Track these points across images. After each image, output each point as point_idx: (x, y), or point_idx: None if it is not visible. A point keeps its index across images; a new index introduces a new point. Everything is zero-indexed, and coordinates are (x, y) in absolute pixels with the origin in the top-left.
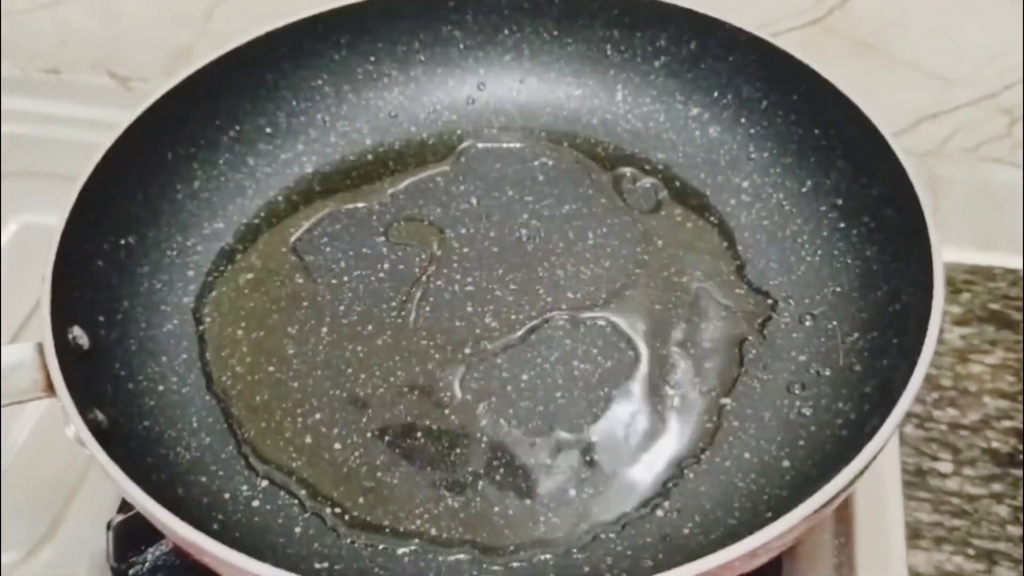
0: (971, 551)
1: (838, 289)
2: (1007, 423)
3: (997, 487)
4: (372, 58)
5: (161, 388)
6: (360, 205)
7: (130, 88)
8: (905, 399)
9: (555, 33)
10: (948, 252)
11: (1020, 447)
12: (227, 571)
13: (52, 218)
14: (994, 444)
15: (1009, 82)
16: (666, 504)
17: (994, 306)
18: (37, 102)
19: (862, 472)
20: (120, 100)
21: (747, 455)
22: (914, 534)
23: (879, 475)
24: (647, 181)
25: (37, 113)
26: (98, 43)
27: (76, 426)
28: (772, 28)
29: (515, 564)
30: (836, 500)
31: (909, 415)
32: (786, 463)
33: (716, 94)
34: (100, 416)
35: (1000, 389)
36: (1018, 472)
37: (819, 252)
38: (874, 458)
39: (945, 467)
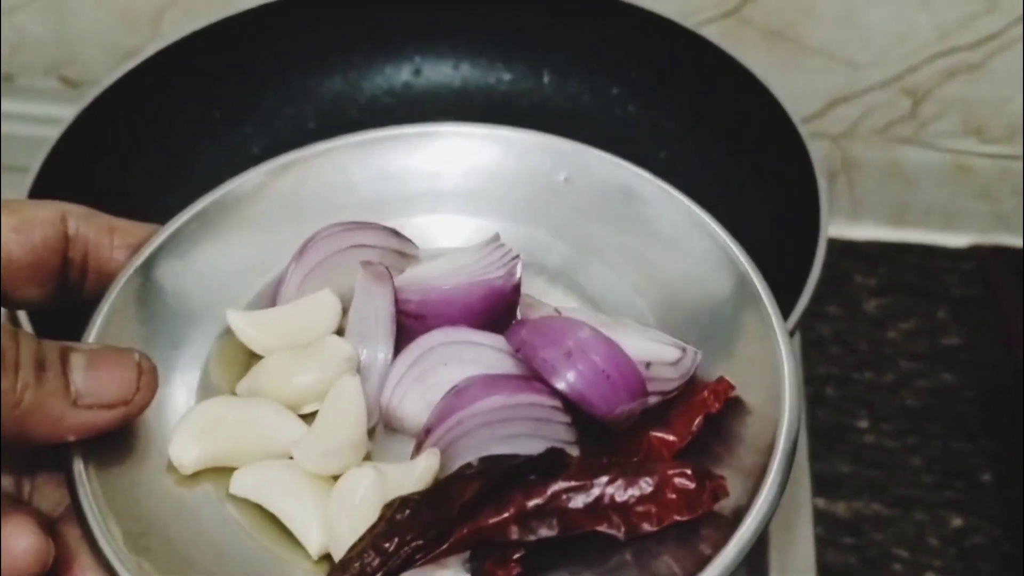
0: (888, 498)
1: None
2: (920, 382)
3: (911, 440)
4: (316, 47)
5: None
6: None
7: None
8: None
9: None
10: (864, 229)
11: (932, 404)
12: None
13: None
14: (908, 402)
15: (912, 64)
16: None
17: (908, 278)
18: None
19: None
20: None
21: None
22: (835, 484)
23: None
24: None
25: None
26: (50, 49)
27: None
28: (692, 19)
29: None
30: None
31: (829, 376)
32: None
33: (635, 75)
34: None
35: (913, 352)
36: (931, 426)
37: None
38: None
39: (863, 423)
